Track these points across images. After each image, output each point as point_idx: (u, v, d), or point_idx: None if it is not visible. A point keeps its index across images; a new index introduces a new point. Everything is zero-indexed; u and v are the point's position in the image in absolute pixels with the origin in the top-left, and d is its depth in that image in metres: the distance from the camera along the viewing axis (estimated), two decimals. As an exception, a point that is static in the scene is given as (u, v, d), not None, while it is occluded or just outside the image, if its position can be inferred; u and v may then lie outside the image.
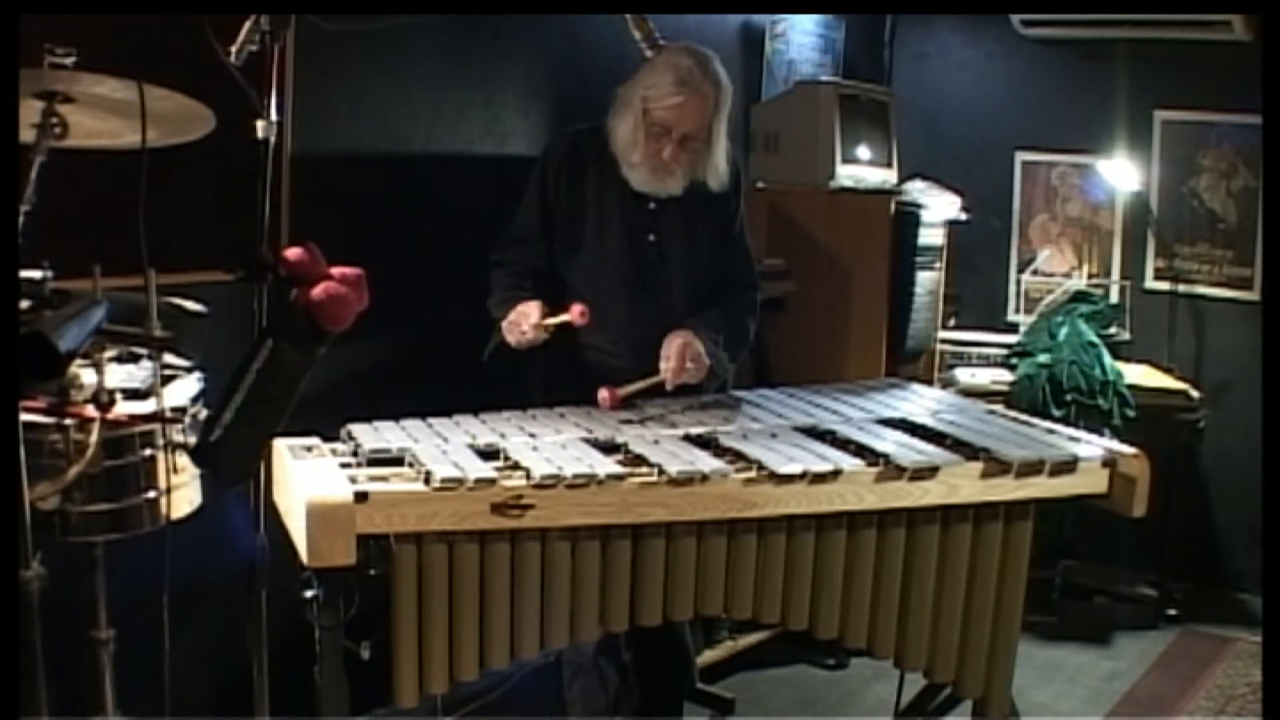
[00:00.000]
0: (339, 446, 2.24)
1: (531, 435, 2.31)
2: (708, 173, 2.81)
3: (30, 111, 1.84)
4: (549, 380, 2.83)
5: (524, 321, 2.67)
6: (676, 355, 2.68)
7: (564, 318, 2.66)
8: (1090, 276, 4.85)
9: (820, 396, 2.78)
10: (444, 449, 2.18)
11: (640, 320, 2.81)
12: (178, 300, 2.05)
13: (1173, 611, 4.31)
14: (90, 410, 1.88)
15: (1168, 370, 4.50)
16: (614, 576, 2.16)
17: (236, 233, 2.02)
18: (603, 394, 2.62)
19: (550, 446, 2.23)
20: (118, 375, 1.98)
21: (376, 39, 3.05)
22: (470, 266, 3.41)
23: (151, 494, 1.97)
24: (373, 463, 2.13)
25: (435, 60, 3.26)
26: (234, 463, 1.76)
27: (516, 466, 2.11)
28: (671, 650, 3.00)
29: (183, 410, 2.00)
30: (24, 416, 1.67)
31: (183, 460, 2.00)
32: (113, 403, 1.89)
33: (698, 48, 2.77)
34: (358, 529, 1.93)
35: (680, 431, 2.40)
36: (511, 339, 2.72)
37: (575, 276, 2.85)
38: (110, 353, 1.96)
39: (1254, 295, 4.53)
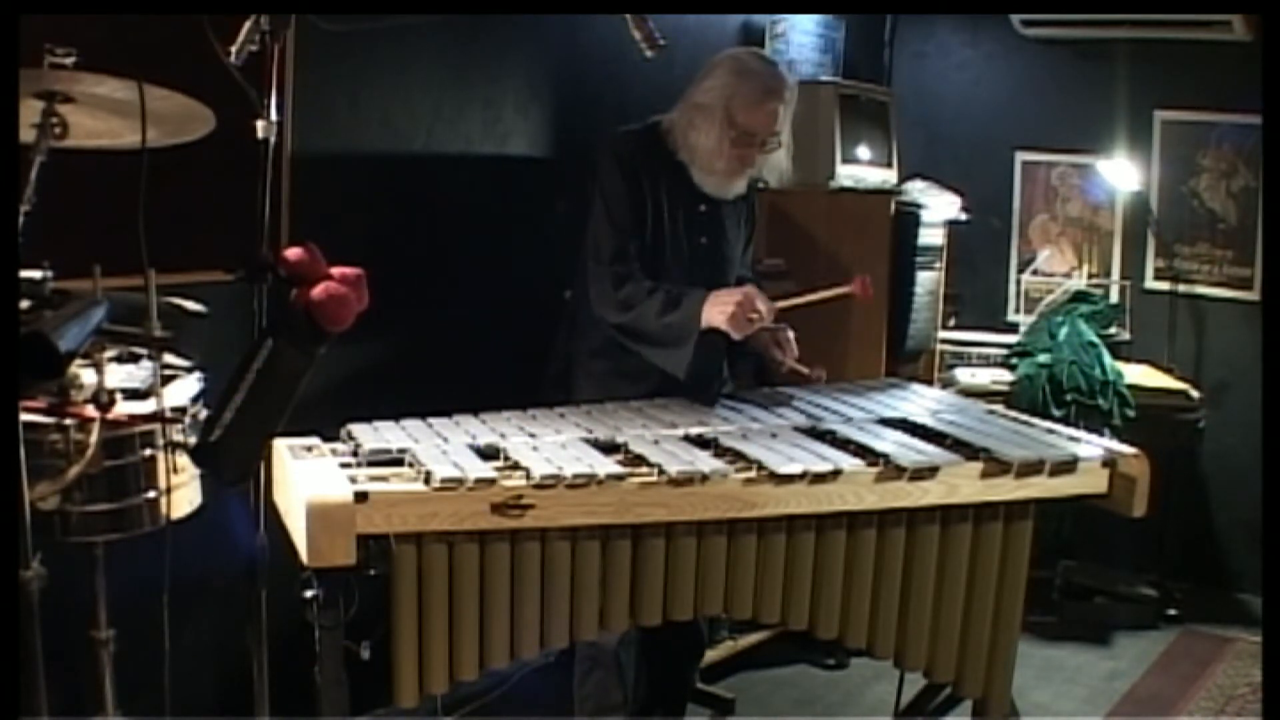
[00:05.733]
0: (339, 446, 2.23)
1: (531, 435, 2.30)
2: (768, 170, 2.88)
3: (30, 111, 1.84)
4: (588, 377, 2.83)
5: (751, 305, 2.58)
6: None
7: (841, 290, 2.63)
8: (1090, 276, 4.85)
9: (820, 396, 2.78)
10: (444, 449, 2.17)
11: None
12: (178, 300, 2.05)
13: (1173, 611, 4.32)
14: (90, 410, 1.88)
15: (1168, 370, 4.50)
16: (614, 576, 2.16)
17: (236, 233, 2.02)
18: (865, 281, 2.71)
19: (550, 446, 2.23)
20: (118, 375, 1.98)
21: (376, 39, 3.05)
22: (470, 266, 3.41)
23: (151, 494, 1.97)
24: (373, 463, 2.13)
25: (435, 60, 3.26)
26: (234, 463, 1.76)
27: (516, 466, 2.11)
28: (685, 637, 2.99)
29: (183, 410, 2.00)
30: (24, 416, 1.67)
31: (183, 460, 2.00)
32: (113, 403, 1.89)
33: (759, 51, 2.80)
34: (358, 529, 1.93)
35: (680, 431, 2.40)
36: (739, 331, 2.61)
37: None
38: (110, 353, 1.96)
39: (1254, 295, 4.54)
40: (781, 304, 2.68)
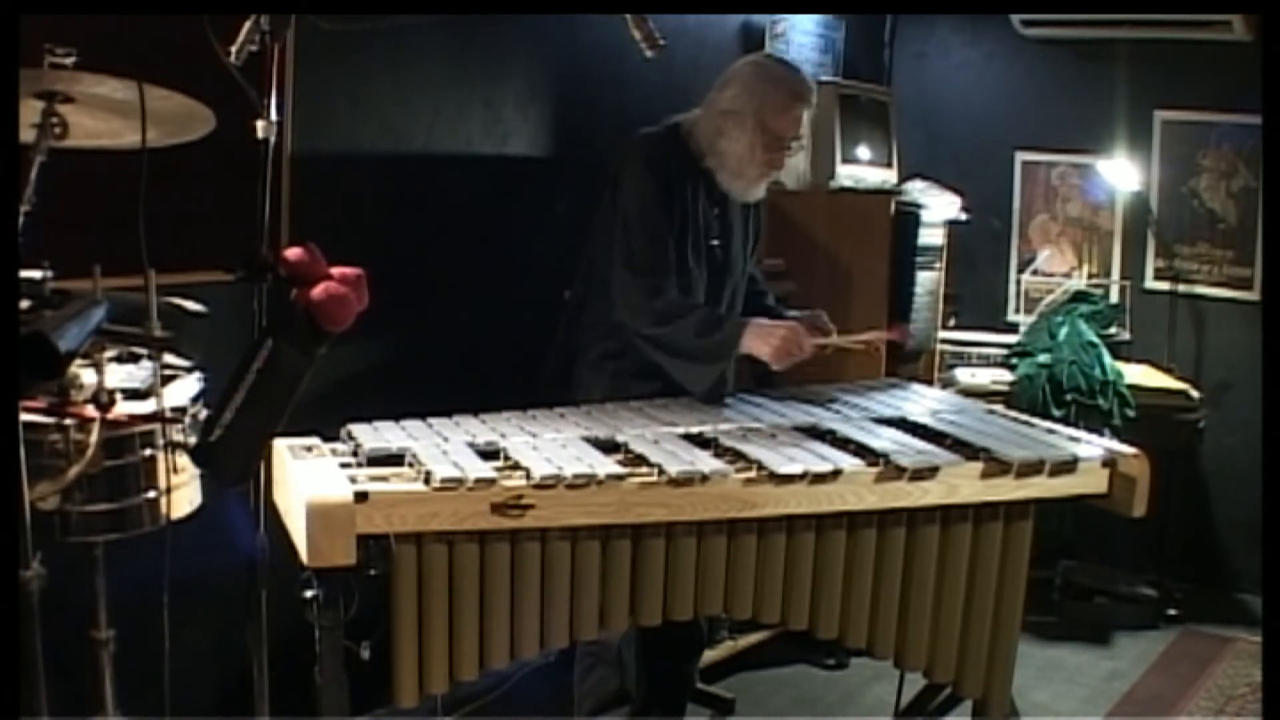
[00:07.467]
0: (339, 446, 2.23)
1: (531, 435, 2.30)
2: (785, 173, 2.99)
3: (30, 111, 1.84)
4: (596, 377, 2.83)
5: (797, 341, 2.68)
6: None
7: (874, 336, 2.75)
8: (1090, 276, 4.86)
9: (820, 396, 2.78)
10: (444, 449, 2.17)
11: None
12: (178, 300, 2.05)
13: (1173, 611, 4.32)
14: (90, 410, 1.87)
15: (1168, 370, 4.50)
16: (614, 576, 2.16)
17: (236, 233, 2.02)
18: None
19: (550, 446, 2.23)
20: (118, 375, 1.98)
21: (376, 39, 3.05)
22: (470, 267, 3.41)
23: (151, 494, 1.97)
24: (373, 463, 2.13)
25: (435, 60, 3.26)
26: (234, 463, 1.76)
27: (516, 466, 2.11)
28: (684, 636, 2.99)
29: (183, 410, 2.00)
30: (24, 416, 1.67)
31: (183, 460, 2.00)
32: (113, 403, 1.89)
33: (779, 56, 2.82)
34: (358, 529, 1.92)
35: (680, 431, 2.40)
36: (779, 364, 2.69)
37: None
38: (110, 353, 1.96)
39: (1254, 295, 4.54)
40: (820, 341, 2.75)
